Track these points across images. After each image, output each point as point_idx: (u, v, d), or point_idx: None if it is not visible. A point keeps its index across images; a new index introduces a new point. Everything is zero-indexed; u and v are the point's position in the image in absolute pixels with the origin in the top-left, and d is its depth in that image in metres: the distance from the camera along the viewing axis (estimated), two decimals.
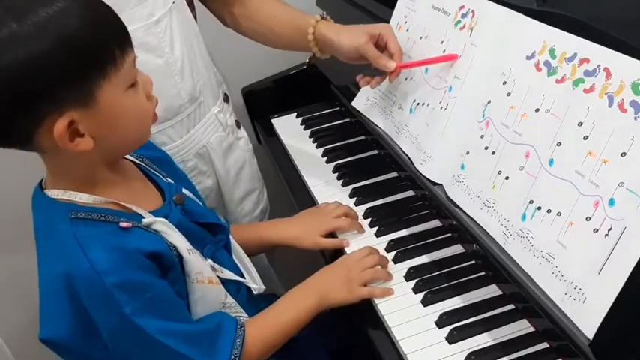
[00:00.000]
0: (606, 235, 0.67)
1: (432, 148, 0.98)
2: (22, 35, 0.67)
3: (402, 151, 1.06)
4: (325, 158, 1.30)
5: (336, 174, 1.24)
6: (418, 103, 1.04)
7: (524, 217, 0.79)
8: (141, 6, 0.98)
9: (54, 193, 0.79)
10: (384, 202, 1.14)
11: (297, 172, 1.29)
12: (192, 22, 1.14)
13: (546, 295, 0.74)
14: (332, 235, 1.07)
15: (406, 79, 1.07)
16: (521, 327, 0.85)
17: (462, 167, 0.91)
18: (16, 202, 1.03)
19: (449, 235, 1.03)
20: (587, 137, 0.72)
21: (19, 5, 0.68)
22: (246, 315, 0.91)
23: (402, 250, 1.01)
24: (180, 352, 0.77)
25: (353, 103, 1.22)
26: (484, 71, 0.91)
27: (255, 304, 0.96)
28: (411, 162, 1.02)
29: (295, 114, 1.48)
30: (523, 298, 0.80)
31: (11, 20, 0.67)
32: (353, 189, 1.18)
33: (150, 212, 0.83)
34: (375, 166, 1.24)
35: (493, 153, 0.86)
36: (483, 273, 0.94)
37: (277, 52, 1.23)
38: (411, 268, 0.97)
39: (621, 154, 0.67)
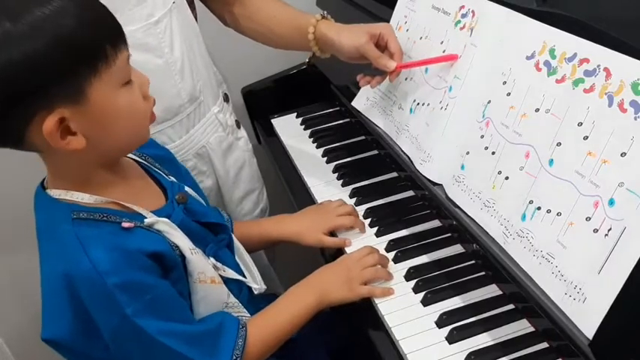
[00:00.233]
0: (606, 235, 0.67)
1: (432, 148, 0.98)
2: (16, 35, 0.66)
3: (402, 151, 1.06)
4: (325, 158, 1.30)
5: (336, 174, 1.24)
6: (418, 103, 1.04)
7: (524, 217, 0.79)
8: (140, 6, 0.98)
9: (56, 193, 0.79)
10: (384, 202, 1.14)
11: (297, 172, 1.29)
12: (193, 22, 1.14)
13: (546, 295, 0.74)
14: (333, 234, 1.07)
15: (406, 79, 1.07)
16: (521, 327, 0.85)
17: (462, 167, 0.91)
18: (17, 202, 1.03)
19: (449, 235, 1.03)
20: (587, 137, 0.72)
21: (12, 5, 0.68)
22: (248, 315, 0.91)
23: (402, 250, 1.01)
24: (181, 352, 0.77)
25: (353, 103, 1.22)
26: (484, 71, 0.91)
27: (255, 304, 0.96)
28: (411, 162, 1.02)
29: (295, 114, 1.48)
30: (523, 298, 0.80)
31: (5, 20, 0.66)
32: (353, 189, 1.18)
33: (152, 211, 0.83)
34: (375, 166, 1.24)
35: (493, 153, 0.86)
36: (483, 273, 0.94)
37: (277, 52, 1.23)
38: (411, 268, 0.97)
39: (621, 154, 0.67)
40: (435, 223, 1.06)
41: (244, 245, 1.02)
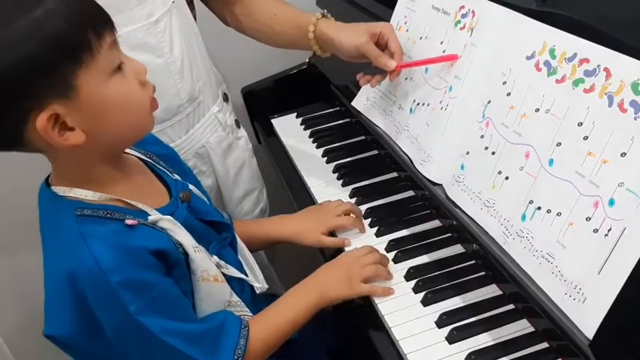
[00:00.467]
0: (606, 235, 0.67)
1: (432, 148, 0.98)
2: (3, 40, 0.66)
3: (402, 151, 1.06)
4: (325, 158, 1.30)
5: (336, 174, 1.24)
6: (418, 103, 1.04)
7: (524, 217, 0.79)
8: (140, 6, 0.98)
9: (60, 190, 0.78)
10: (384, 202, 1.14)
11: (297, 172, 1.29)
12: (192, 21, 1.14)
13: (546, 295, 0.74)
14: (333, 234, 1.07)
15: (406, 79, 1.07)
16: (521, 327, 0.85)
17: (462, 167, 0.91)
18: (17, 202, 1.03)
19: (449, 235, 1.03)
20: (587, 137, 0.72)
21: None
22: (250, 314, 0.91)
23: (402, 250, 1.01)
24: (183, 351, 0.77)
25: (353, 103, 1.22)
26: (484, 71, 0.91)
27: (257, 303, 0.96)
28: (411, 162, 1.03)
29: (295, 114, 1.48)
30: (523, 298, 0.80)
31: None
32: (353, 189, 1.18)
33: (156, 209, 0.82)
34: (375, 166, 1.24)
35: (493, 153, 0.86)
36: (483, 273, 0.94)
37: (277, 52, 1.23)
38: (411, 268, 0.97)
39: (621, 154, 0.67)
40: (435, 223, 1.06)
41: (245, 245, 1.02)
